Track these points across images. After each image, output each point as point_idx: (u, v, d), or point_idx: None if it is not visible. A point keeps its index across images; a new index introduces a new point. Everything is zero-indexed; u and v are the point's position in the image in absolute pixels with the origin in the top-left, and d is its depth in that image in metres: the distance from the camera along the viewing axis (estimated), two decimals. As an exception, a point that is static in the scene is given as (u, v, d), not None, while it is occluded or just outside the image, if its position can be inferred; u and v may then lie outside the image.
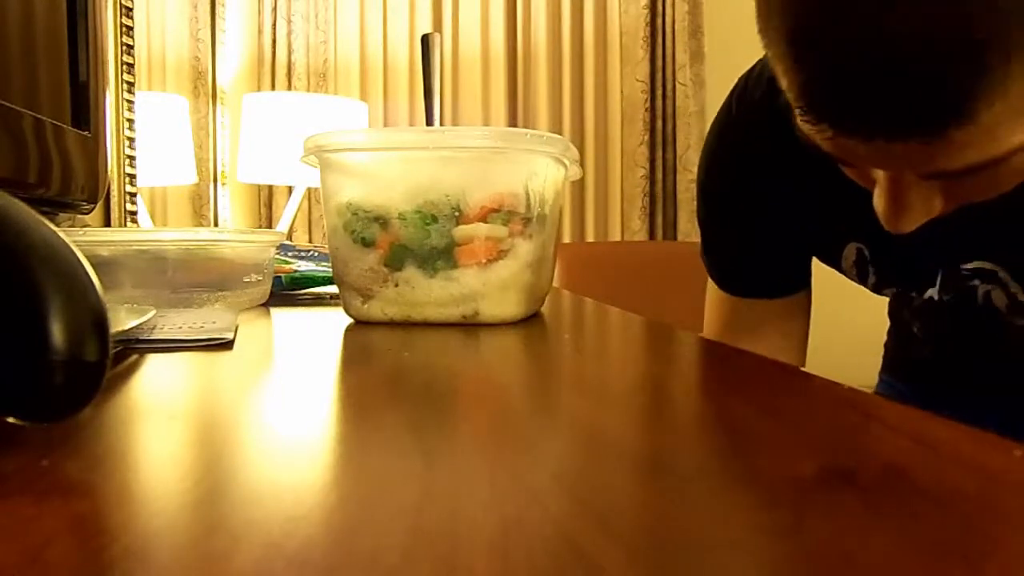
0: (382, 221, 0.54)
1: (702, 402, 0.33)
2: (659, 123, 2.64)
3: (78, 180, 0.54)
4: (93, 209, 0.59)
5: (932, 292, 0.61)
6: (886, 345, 0.85)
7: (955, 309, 0.60)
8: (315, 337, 0.52)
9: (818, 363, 0.60)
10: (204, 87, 2.45)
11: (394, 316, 0.55)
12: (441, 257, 0.53)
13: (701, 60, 2.62)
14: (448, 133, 0.57)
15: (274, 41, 2.62)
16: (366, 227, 0.55)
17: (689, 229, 2.62)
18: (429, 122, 0.75)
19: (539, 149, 0.55)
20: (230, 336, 0.44)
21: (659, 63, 2.63)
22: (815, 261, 0.68)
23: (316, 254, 0.87)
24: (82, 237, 0.56)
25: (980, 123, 0.37)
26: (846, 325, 2.06)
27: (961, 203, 0.47)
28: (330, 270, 0.67)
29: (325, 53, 2.64)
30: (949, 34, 0.36)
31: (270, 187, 2.59)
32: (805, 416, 0.29)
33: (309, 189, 2.23)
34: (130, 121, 1.15)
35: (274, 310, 0.65)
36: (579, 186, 2.62)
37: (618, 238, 2.61)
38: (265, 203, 2.64)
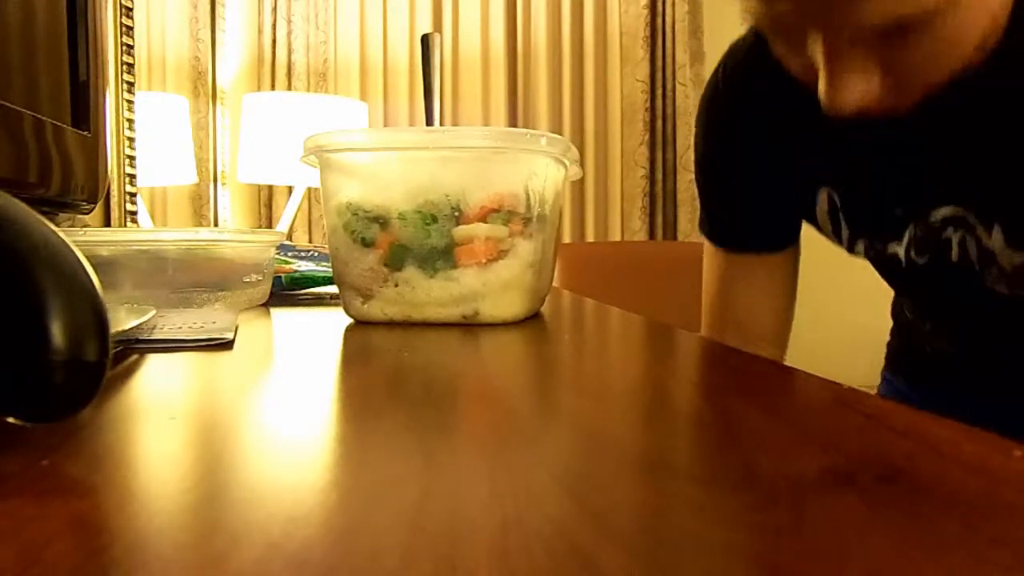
0: (382, 221, 0.54)
1: (702, 402, 0.33)
2: (659, 123, 2.64)
3: (78, 180, 0.54)
4: (93, 209, 0.59)
5: (901, 249, 0.62)
6: (889, 345, 0.86)
7: (933, 272, 0.61)
8: (315, 337, 0.52)
9: (818, 363, 0.60)
10: (204, 87, 2.45)
11: (394, 316, 0.55)
12: (441, 257, 0.53)
13: (701, 60, 2.62)
14: (448, 133, 0.57)
15: (274, 41, 2.62)
16: (366, 227, 0.55)
17: (689, 229, 2.62)
18: (429, 122, 0.75)
19: (539, 149, 0.55)
20: (230, 336, 0.44)
21: (659, 63, 2.63)
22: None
23: (316, 254, 0.87)
24: (82, 237, 0.56)
25: None
26: (846, 325, 2.06)
27: (901, 83, 0.49)
28: (330, 270, 0.67)
29: (325, 53, 2.64)
30: None
31: (270, 187, 2.59)
32: (805, 416, 0.29)
33: (309, 189, 2.23)
34: (130, 121, 1.15)
35: (274, 310, 0.65)
36: (579, 186, 2.62)
37: (618, 238, 2.61)
38: (265, 203, 2.64)
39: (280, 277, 0.74)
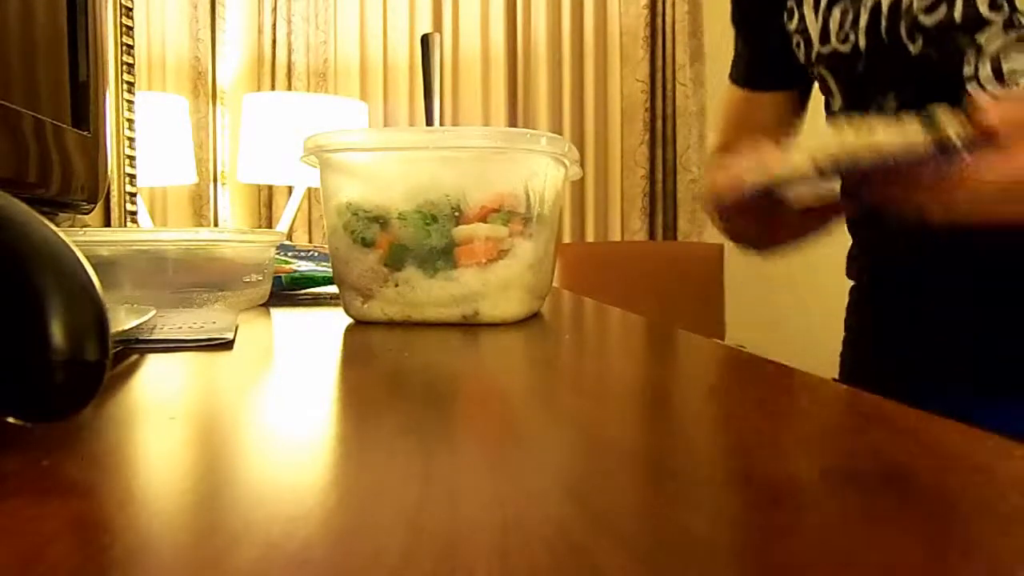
0: (382, 221, 0.54)
1: (702, 402, 0.33)
2: (659, 123, 2.64)
3: (78, 180, 0.54)
4: (93, 209, 0.59)
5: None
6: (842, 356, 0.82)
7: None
8: (315, 337, 0.52)
9: (818, 363, 0.60)
10: (204, 87, 2.45)
11: (394, 316, 0.55)
12: (441, 257, 0.53)
13: (701, 60, 2.62)
14: (448, 133, 0.57)
15: (274, 41, 2.62)
16: (366, 227, 0.55)
17: (689, 229, 2.62)
18: (429, 122, 0.75)
19: (539, 149, 0.55)
20: (230, 336, 0.44)
21: (659, 63, 2.63)
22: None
23: (316, 254, 0.87)
24: (82, 237, 0.56)
25: None
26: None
27: None
28: (330, 270, 0.67)
29: (325, 53, 2.64)
30: None
31: (270, 187, 2.59)
32: (805, 416, 0.29)
33: (309, 189, 2.23)
34: (130, 121, 1.15)
35: (274, 310, 0.65)
36: (579, 186, 2.62)
37: (618, 238, 2.61)
38: (265, 203, 2.64)
39: (280, 277, 0.74)
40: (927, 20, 0.62)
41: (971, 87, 0.61)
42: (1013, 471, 0.21)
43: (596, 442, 0.24)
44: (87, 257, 0.22)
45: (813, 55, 0.73)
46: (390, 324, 0.55)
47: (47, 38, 0.52)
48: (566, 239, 2.59)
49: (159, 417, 0.27)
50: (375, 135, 0.58)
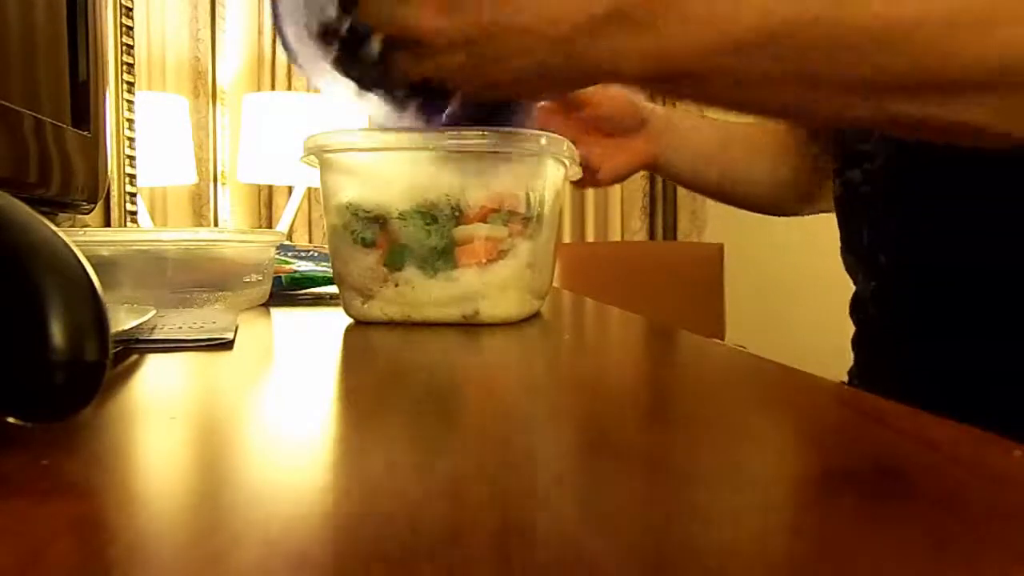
0: (382, 221, 0.54)
1: (702, 402, 0.33)
2: (659, 123, 2.64)
3: (78, 180, 0.54)
4: (93, 209, 0.59)
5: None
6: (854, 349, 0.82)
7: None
8: (315, 337, 0.52)
9: (818, 363, 0.60)
10: (204, 87, 2.46)
11: (394, 316, 0.55)
12: (441, 257, 0.53)
13: (701, 60, 2.62)
14: (448, 133, 0.57)
15: (274, 41, 2.62)
16: (366, 227, 0.55)
17: (689, 229, 2.62)
18: (429, 122, 0.75)
19: (539, 149, 0.55)
20: (230, 336, 0.44)
21: (659, 63, 2.63)
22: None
23: (316, 254, 0.87)
24: (82, 237, 0.56)
25: None
26: (847, 325, 2.05)
27: None
28: (330, 270, 0.67)
29: (325, 53, 2.63)
30: None
31: (270, 187, 2.59)
32: (805, 416, 0.29)
33: (309, 189, 2.23)
34: (130, 121, 1.15)
35: (274, 310, 0.65)
36: (579, 186, 2.61)
37: (618, 238, 2.61)
38: (265, 203, 2.64)
39: (280, 277, 0.74)
40: None
41: None
42: (1013, 471, 0.21)
43: (596, 442, 0.24)
44: (87, 257, 0.22)
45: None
46: (390, 324, 0.55)
47: (47, 38, 0.52)
48: (566, 239, 2.59)
49: (159, 417, 0.27)
50: (375, 135, 0.57)
